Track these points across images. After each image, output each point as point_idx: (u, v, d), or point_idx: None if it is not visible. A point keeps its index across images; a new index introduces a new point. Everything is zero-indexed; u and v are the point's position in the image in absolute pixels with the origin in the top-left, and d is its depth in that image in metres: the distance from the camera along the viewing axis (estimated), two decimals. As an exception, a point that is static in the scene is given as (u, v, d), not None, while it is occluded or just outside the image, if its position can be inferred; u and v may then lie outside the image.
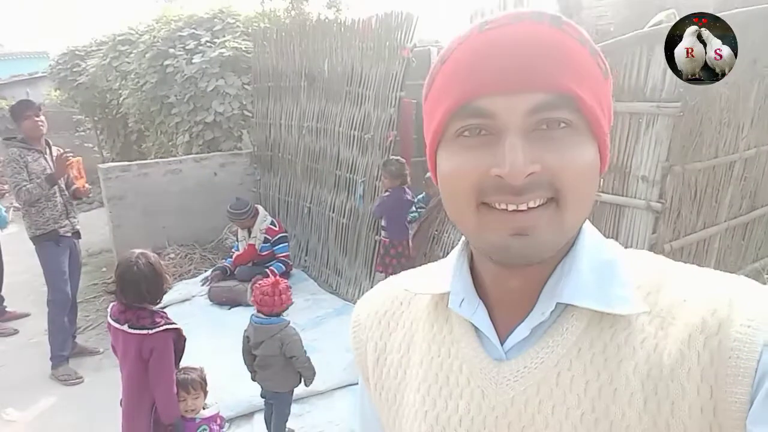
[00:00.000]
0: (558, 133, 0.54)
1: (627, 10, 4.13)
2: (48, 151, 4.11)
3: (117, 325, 2.34)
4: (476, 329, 0.63)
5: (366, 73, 4.58)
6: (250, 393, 3.39)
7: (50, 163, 4.05)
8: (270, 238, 5.02)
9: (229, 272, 5.08)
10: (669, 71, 2.45)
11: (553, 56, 0.52)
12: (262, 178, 6.29)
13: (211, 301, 4.89)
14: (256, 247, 5.00)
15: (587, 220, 0.62)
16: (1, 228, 4.91)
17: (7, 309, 5.02)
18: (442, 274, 0.67)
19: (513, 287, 0.61)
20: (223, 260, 5.32)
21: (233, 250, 5.28)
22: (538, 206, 0.54)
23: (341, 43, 4.89)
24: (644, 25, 2.62)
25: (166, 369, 2.32)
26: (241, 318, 4.63)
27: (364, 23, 4.63)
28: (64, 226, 4.08)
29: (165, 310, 4.71)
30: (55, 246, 4.05)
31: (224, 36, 6.54)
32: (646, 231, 2.67)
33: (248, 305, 4.77)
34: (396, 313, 0.73)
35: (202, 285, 5.07)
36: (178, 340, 2.39)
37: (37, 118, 3.97)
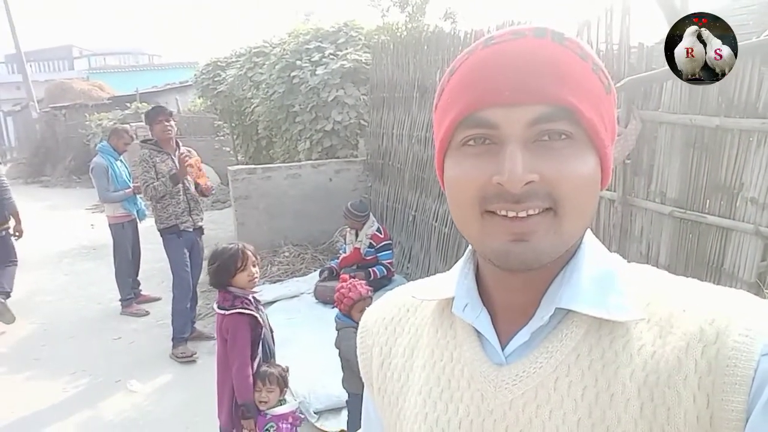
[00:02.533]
0: (558, 144, 0.56)
1: (759, 18, 3.80)
2: (178, 152, 4.51)
3: (214, 306, 2.62)
4: (479, 334, 0.65)
5: (475, 84, 4.59)
6: (341, 388, 3.55)
7: (177, 163, 4.45)
8: (375, 244, 5.19)
9: (336, 273, 5.31)
10: (785, 86, 2.25)
11: (553, 70, 0.55)
12: (373, 184, 6.51)
13: (316, 299, 5.16)
14: (361, 251, 5.19)
15: (589, 230, 0.64)
16: (140, 220, 5.52)
17: (142, 292, 5.64)
18: (449, 281, 0.70)
19: (515, 294, 0.63)
20: (330, 261, 5.58)
21: (340, 252, 5.52)
22: (537, 214, 0.56)
23: (454, 54, 4.95)
24: None
25: (238, 349, 2.52)
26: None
27: (477, 34, 4.65)
28: (185, 222, 4.47)
29: (274, 304, 5.10)
30: (177, 239, 4.46)
31: (347, 48, 6.86)
32: (754, 258, 2.45)
33: (349, 305, 4.98)
34: (402, 320, 0.76)
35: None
36: (255, 327, 2.58)
37: (167, 123, 4.39)
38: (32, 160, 17.38)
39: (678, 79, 2.25)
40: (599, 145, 0.58)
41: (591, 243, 0.64)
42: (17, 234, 5.20)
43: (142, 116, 4.73)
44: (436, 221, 5.15)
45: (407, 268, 5.68)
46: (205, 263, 3.69)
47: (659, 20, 2.73)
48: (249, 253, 2.62)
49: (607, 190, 3.24)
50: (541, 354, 0.60)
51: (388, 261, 5.23)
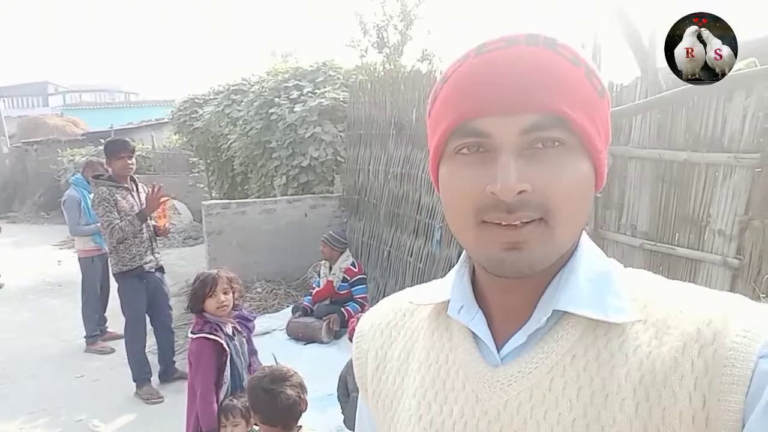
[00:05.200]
0: (552, 151, 0.56)
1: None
2: (135, 188, 4.30)
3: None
4: (475, 336, 0.65)
5: (450, 122, 4.68)
6: (313, 426, 3.45)
7: (138, 200, 4.24)
8: (348, 278, 5.15)
9: (309, 311, 5.24)
10: (749, 120, 2.33)
11: (545, 78, 0.55)
12: (348, 220, 6.51)
13: (288, 335, 5.07)
14: (334, 284, 5.15)
15: (585, 233, 0.65)
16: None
17: (108, 329, 5.46)
18: (445, 285, 0.71)
19: (512, 297, 0.63)
20: (304, 298, 5.50)
21: (314, 286, 5.46)
22: (530, 222, 0.56)
23: (430, 93, 5.05)
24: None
25: (201, 375, 2.48)
26: (314, 353, 4.77)
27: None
28: (149, 262, 4.24)
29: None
30: (138, 282, 4.21)
31: (325, 87, 6.95)
32: (722, 288, 2.49)
33: (323, 342, 4.90)
34: (398, 324, 0.76)
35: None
36: (221, 354, 2.53)
37: (129, 161, 4.18)
38: (-1, 195, 17.02)
39: (647, 114, 2.32)
40: (593, 150, 0.59)
41: (588, 246, 0.64)
42: None
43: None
44: (411, 257, 5.15)
45: (382, 304, 5.63)
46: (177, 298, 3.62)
47: (629, 60, 2.84)
48: (222, 279, 2.58)
49: (580, 224, 3.29)
50: (536, 355, 0.60)
51: (362, 296, 5.19)
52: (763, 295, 2.36)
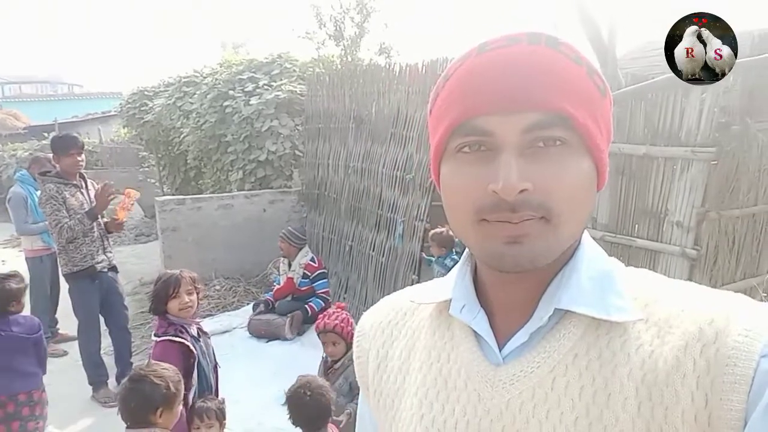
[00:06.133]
0: (553, 150, 0.56)
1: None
2: (84, 184, 4.10)
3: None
4: (476, 335, 0.65)
5: (411, 116, 4.68)
6: (279, 425, 3.41)
7: (87, 197, 4.05)
8: (309, 274, 5.11)
9: (270, 306, 5.17)
10: (705, 115, 2.42)
11: (547, 76, 0.55)
12: (308, 215, 6.44)
13: (250, 333, 4.99)
14: (295, 280, 5.09)
15: (587, 232, 0.65)
16: None
17: (60, 331, 5.25)
18: (446, 284, 0.70)
19: (514, 295, 0.63)
20: (265, 294, 5.43)
21: (274, 284, 5.39)
22: (531, 219, 0.56)
23: (389, 87, 5.04)
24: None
25: None
26: (278, 351, 4.72)
27: (411, 69, 4.76)
28: (101, 262, 4.05)
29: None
30: (90, 283, 4.02)
31: (281, 80, 6.85)
32: (681, 278, 2.59)
33: (285, 339, 4.84)
34: (399, 323, 0.75)
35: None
36: (187, 356, 2.46)
37: (79, 157, 3.98)
38: (-66, 192, 16.12)
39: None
40: (594, 149, 0.59)
41: (589, 244, 0.65)
42: None
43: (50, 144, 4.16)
44: (373, 251, 5.14)
45: (344, 298, 5.60)
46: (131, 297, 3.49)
47: (588, 52, 2.89)
48: (186, 280, 2.51)
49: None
50: (538, 354, 0.60)
51: (324, 291, 5.15)
52: (720, 285, 2.46)
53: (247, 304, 5.60)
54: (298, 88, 6.63)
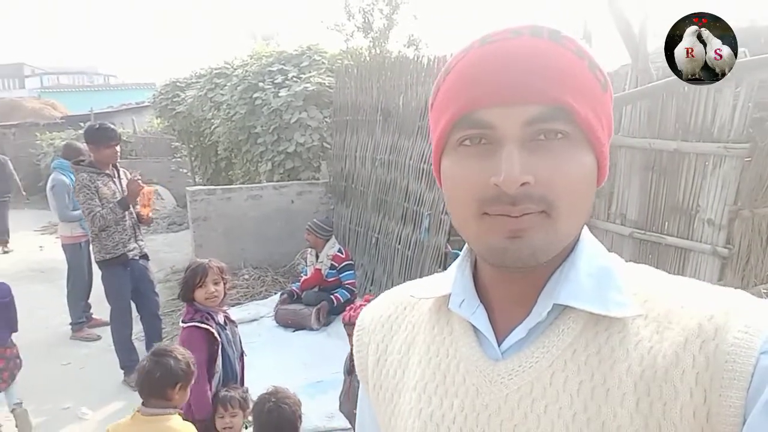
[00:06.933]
0: (555, 143, 0.56)
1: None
2: (116, 174, 4.20)
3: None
4: (476, 330, 0.65)
5: (438, 109, 4.67)
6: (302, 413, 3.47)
7: (119, 186, 4.15)
8: (336, 265, 5.14)
9: (296, 296, 5.23)
10: (738, 110, 2.36)
11: (549, 70, 0.55)
12: (335, 207, 6.48)
13: (277, 322, 5.06)
14: (322, 272, 5.14)
15: (586, 227, 0.64)
16: None
17: (93, 316, 5.41)
18: (446, 279, 0.70)
19: (513, 290, 0.63)
20: (292, 284, 5.50)
21: (302, 274, 5.45)
22: (532, 213, 0.56)
23: (417, 79, 5.03)
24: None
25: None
26: (304, 341, 4.77)
27: (440, 61, 4.74)
28: (132, 250, 4.16)
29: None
30: (122, 270, 4.14)
31: (310, 72, 6.88)
32: (712, 277, 2.53)
33: (311, 329, 4.90)
34: (399, 317, 0.75)
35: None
36: (212, 343, 2.52)
37: (117, 148, 4.11)
38: (-24, 180, 16.65)
39: (637, 103, 2.33)
40: (596, 143, 0.58)
41: (589, 240, 0.64)
42: None
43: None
44: (399, 244, 5.15)
45: (370, 291, 5.64)
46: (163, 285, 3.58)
47: (620, 47, 2.84)
48: (213, 270, 2.57)
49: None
50: (537, 349, 0.60)
51: (351, 282, 5.19)
52: (753, 284, 2.41)
53: (275, 293, 5.68)
54: (326, 80, 6.65)
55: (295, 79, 6.82)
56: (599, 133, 0.58)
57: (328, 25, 7.85)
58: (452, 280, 0.68)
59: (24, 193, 9.96)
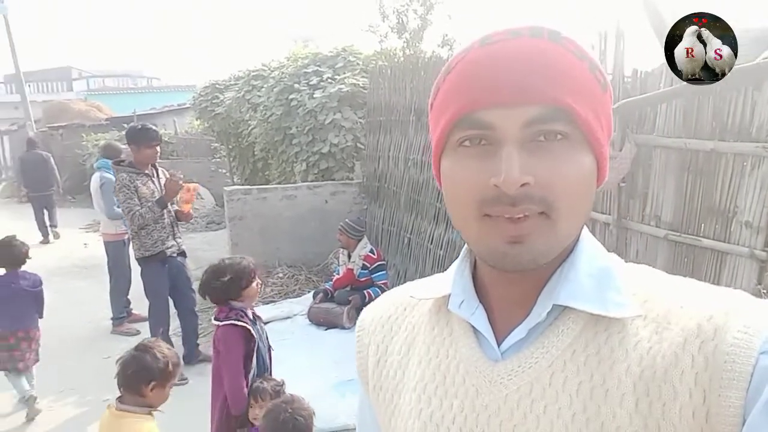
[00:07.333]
0: (554, 145, 0.56)
1: (753, 44, 3.88)
2: (155, 173, 4.35)
3: (212, 321, 2.64)
4: (475, 330, 0.65)
5: (471, 109, 4.66)
6: (331, 412, 3.51)
7: (158, 186, 4.29)
8: (368, 265, 5.18)
9: (330, 295, 5.29)
10: (778, 110, 2.28)
11: (549, 70, 0.55)
12: (368, 207, 6.52)
13: (309, 320, 5.12)
14: (354, 272, 5.18)
15: (586, 228, 0.65)
16: None
17: (133, 311, 5.58)
18: (446, 280, 0.70)
19: (512, 291, 0.63)
20: (325, 283, 5.56)
21: (334, 274, 5.50)
22: (532, 215, 0.56)
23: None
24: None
25: (230, 361, 2.51)
26: (335, 339, 4.82)
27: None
28: (170, 247, 4.31)
29: (267, 325, 5.05)
30: (161, 267, 4.30)
31: (344, 73, 6.94)
32: (749, 281, 2.46)
33: (343, 328, 4.94)
34: (399, 318, 0.76)
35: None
36: (248, 340, 2.57)
37: (157, 149, 4.28)
38: (27, 179, 17.31)
39: (672, 102, 2.28)
40: (595, 144, 0.59)
41: (588, 240, 0.64)
42: None
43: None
44: (431, 244, 5.15)
45: (402, 290, 5.66)
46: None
47: (654, 46, 2.78)
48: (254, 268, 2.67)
49: (602, 213, 3.26)
50: (537, 349, 0.60)
51: (383, 282, 5.21)
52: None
53: (308, 292, 5.74)
54: (360, 81, 6.70)
55: (329, 80, 6.89)
56: (599, 134, 0.58)
57: (362, 27, 7.91)
58: (451, 280, 0.69)
59: (61, 190, 10.52)
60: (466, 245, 0.68)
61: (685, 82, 2.19)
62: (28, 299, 4.00)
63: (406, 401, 0.69)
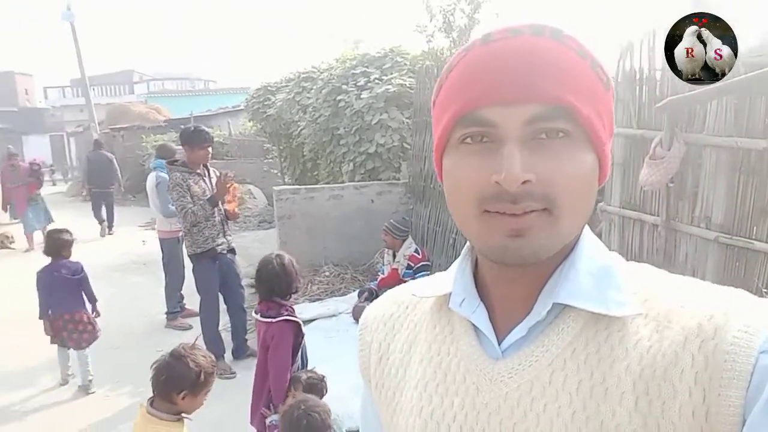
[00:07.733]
0: (556, 143, 0.56)
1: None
2: (207, 173, 4.51)
3: (255, 316, 2.69)
4: (476, 329, 0.66)
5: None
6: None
7: (209, 185, 4.45)
8: (413, 265, 5.20)
9: (374, 294, 5.33)
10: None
11: (551, 68, 0.55)
12: (414, 207, 6.53)
13: (354, 319, 5.18)
14: (399, 271, 5.21)
15: (587, 226, 0.65)
16: None
17: (186, 306, 5.78)
18: (447, 278, 0.71)
19: (513, 290, 0.63)
20: (370, 282, 5.60)
21: (379, 273, 5.55)
22: (533, 211, 0.56)
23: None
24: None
25: (280, 355, 2.60)
26: (378, 338, 4.87)
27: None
28: (221, 244, 4.47)
29: (313, 322, 5.15)
30: (212, 263, 4.45)
31: (392, 73, 6.96)
32: (804, 287, 2.36)
33: (386, 326, 4.98)
34: (401, 316, 0.76)
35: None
36: (297, 335, 2.63)
37: (209, 150, 4.47)
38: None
39: (722, 100, 2.21)
40: (597, 142, 0.59)
41: (589, 239, 0.64)
42: None
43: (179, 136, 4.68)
44: (475, 245, 5.12)
45: (446, 291, 5.64)
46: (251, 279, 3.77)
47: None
48: None
49: (651, 214, 3.17)
50: (537, 348, 0.61)
51: (427, 282, 5.21)
52: None
53: (354, 290, 5.81)
54: (407, 81, 6.71)
55: (377, 81, 6.92)
56: (601, 133, 0.59)
57: (410, 27, 7.91)
58: (453, 279, 0.69)
59: (123, 189, 11.05)
60: (467, 244, 0.69)
61: (735, 79, 2.10)
62: (70, 285, 4.35)
63: (408, 399, 0.70)
